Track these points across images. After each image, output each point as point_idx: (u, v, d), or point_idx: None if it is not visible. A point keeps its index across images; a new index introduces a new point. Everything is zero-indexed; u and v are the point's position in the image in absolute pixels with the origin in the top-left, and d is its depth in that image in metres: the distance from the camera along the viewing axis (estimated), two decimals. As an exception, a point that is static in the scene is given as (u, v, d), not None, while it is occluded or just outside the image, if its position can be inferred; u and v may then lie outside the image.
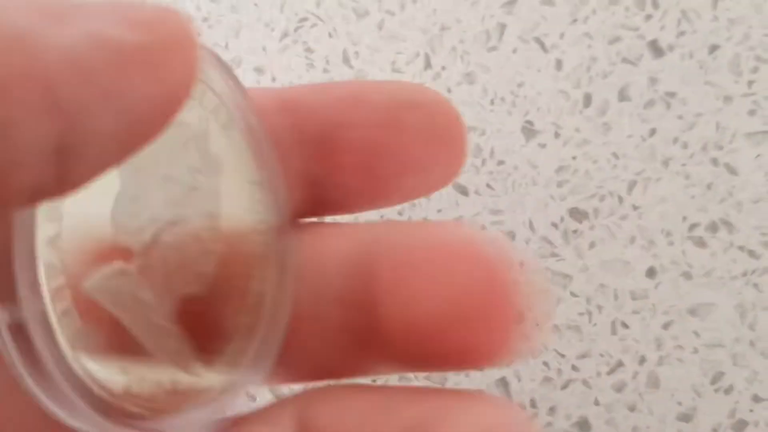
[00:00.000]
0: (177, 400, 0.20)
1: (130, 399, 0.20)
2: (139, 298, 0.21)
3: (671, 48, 0.47)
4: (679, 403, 0.44)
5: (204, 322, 0.20)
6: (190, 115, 0.18)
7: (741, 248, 0.45)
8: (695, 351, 0.44)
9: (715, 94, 0.46)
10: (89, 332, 0.20)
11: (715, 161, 0.46)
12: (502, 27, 0.47)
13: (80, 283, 0.19)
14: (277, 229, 0.19)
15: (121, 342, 0.20)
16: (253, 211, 0.20)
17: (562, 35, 0.47)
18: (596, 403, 0.46)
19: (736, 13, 0.47)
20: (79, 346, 0.19)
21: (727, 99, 0.46)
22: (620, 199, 0.45)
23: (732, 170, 0.46)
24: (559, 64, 0.47)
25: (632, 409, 0.44)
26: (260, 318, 0.20)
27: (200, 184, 0.19)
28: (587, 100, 0.47)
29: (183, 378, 0.20)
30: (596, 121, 0.46)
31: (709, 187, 0.45)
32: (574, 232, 0.45)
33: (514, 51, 0.47)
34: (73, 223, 0.20)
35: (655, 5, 0.47)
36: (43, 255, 0.19)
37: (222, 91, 0.18)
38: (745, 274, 0.45)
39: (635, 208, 0.45)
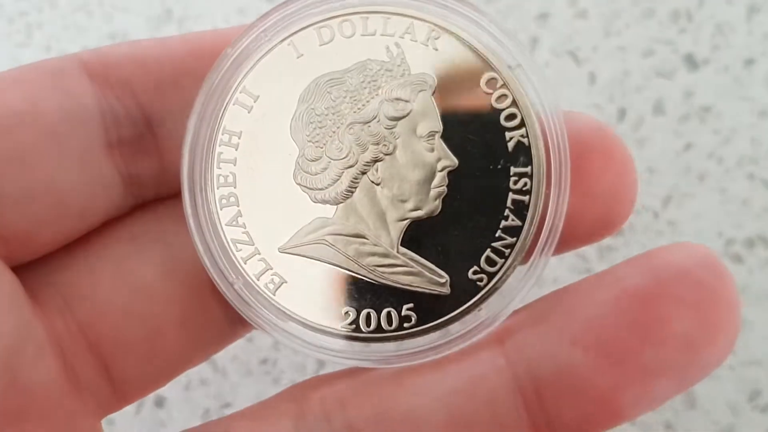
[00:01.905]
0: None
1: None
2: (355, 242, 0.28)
3: (706, 62, 0.46)
4: (716, 422, 0.43)
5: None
6: None
7: (778, 264, 0.44)
8: (731, 368, 0.43)
9: (751, 108, 0.46)
10: (293, 286, 0.27)
11: (751, 176, 0.45)
12: (535, 40, 0.47)
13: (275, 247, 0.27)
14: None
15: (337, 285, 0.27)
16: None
17: (595, 49, 0.47)
18: (632, 422, 0.45)
19: (772, 26, 0.46)
20: (288, 299, 0.27)
21: (763, 113, 0.46)
22: (655, 215, 0.45)
23: (768, 185, 0.45)
24: (592, 78, 0.47)
25: (668, 427, 0.44)
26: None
27: None
28: (621, 114, 0.46)
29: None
30: (631, 135, 0.45)
31: (744, 202, 0.45)
32: (609, 247, 0.45)
33: (547, 64, 0.47)
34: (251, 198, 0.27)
35: (690, 19, 0.47)
36: (230, 233, 0.27)
37: None
38: (781, 291, 0.44)
39: (670, 223, 0.45)
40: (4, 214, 0.26)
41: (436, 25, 0.27)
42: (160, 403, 0.43)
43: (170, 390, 0.39)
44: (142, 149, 0.29)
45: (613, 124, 0.46)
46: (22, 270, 0.28)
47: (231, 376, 0.43)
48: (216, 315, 0.29)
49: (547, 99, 0.27)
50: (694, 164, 0.45)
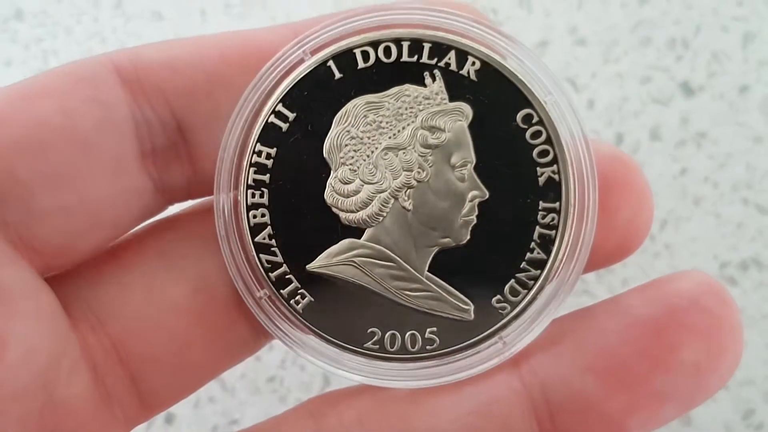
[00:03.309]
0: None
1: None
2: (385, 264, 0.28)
3: (702, 88, 0.47)
4: (711, 441, 0.44)
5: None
6: None
7: (772, 287, 0.45)
8: (726, 388, 0.44)
9: (745, 134, 0.47)
10: (319, 304, 0.28)
11: (745, 201, 0.46)
12: (535, 67, 0.48)
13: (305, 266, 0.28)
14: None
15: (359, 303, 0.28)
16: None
17: (593, 75, 0.48)
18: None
19: (766, 54, 0.47)
20: (313, 316, 0.28)
21: (757, 139, 0.47)
22: (652, 238, 0.46)
23: (762, 210, 0.46)
24: (591, 104, 0.48)
25: (664, 446, 0.45)
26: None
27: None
28: (619, 139, 0.47)
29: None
30: (628, 160, 0.47)
31: (739, 226, 0.46)
32: (606, 269, 0.46)
33: (547, 91, 0.48)
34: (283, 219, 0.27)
35: (686, 46, 0.48)
36: (263, 253, 0.27)
37: None
38: (775, 313, 0.45)
39: (667, 246, 0.46)
40: (39, 229, 0.26)
41: (476, 56, 0.27)
42: (170, 420, 0.44)
43: (180, 407, 0.40)
44: (174, 157, 0.29)
45: (611, 149, 0.47)
46: (55, 285, 0.28)
47: (239, 393, 0.45)
48: (242, 329, 0.30)
49: (580, 137, 0.27)
50: (690, 188, 0.47)
